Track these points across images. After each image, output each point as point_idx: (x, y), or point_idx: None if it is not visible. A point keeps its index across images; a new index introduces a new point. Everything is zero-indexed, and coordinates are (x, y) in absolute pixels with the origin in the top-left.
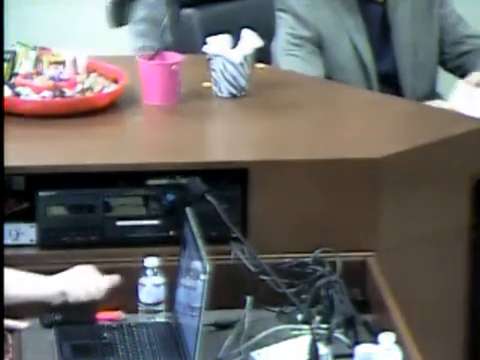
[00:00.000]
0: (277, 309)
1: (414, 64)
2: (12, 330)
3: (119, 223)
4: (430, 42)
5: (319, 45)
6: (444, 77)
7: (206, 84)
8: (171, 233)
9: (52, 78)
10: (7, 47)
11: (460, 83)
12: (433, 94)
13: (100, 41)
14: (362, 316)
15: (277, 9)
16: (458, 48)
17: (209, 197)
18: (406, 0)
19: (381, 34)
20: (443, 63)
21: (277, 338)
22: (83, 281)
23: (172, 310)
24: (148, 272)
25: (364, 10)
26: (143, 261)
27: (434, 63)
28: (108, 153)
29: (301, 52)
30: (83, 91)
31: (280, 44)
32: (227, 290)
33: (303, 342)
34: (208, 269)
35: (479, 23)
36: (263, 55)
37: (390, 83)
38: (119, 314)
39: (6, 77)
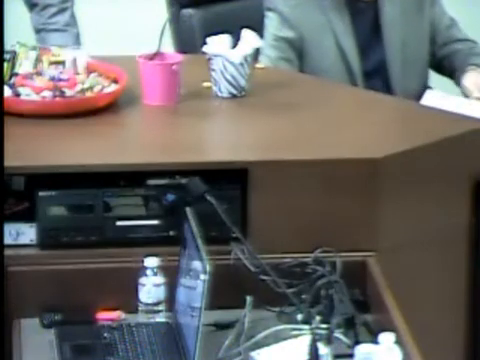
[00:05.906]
0: (277, 309)
1: (403, 62)
2: None
3: (119, 223)
4: (420, 41)
5: (300, 48)
6: (440, 77)
7: (206, 84)
8: (171, 233)
9: (52, 78)
10: (7, 47)
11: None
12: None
13: (101, 41)
14: (362, 316)
15: (265, 8)
16: (448, 49)
17: (209, 197)
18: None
19: (371, 33)
20: (431, 63)
21: (277, 338)
22: None
23: (172, 310)
24: (148, 272)
25: (354, 9)
26: (143, 261)
27: (424, 62)
28: (108, 153)
29: (274, 53)
30: (83, 91)
31: (263, 41)
32: (227, 290)
33: (303, 342)
34: (208, 269)
35: (474, 24)
36: None
37: (377, 80)
38: (119, 314)
39: (6, 77)
